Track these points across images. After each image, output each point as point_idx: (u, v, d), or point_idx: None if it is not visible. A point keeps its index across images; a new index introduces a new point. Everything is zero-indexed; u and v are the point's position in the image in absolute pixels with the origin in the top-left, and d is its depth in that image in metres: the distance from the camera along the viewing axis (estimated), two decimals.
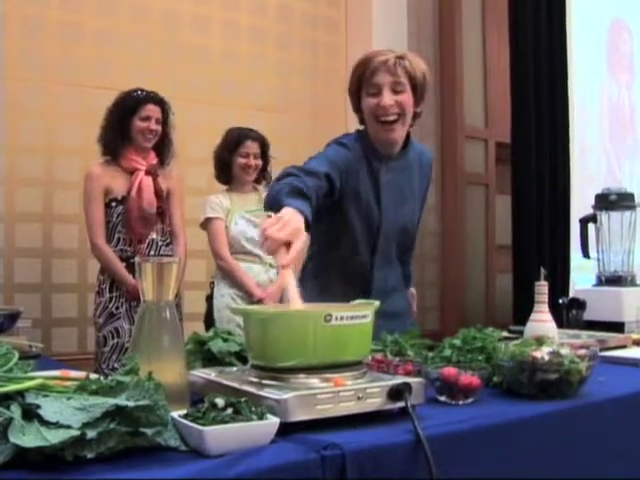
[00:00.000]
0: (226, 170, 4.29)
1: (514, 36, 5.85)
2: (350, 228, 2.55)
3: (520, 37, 5.79)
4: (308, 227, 2.00)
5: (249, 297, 4.06)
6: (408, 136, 2.65)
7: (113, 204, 3.88)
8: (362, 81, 2.52)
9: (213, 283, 4.22)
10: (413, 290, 3.01)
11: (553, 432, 1.74)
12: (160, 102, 3.94)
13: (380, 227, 2.57)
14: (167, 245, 4.00)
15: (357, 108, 2.60)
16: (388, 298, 2.46)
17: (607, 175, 5.60)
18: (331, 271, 2.60)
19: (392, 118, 2.49)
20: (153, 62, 4.80)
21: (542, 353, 1.86)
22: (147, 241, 3.90)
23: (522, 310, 4.42)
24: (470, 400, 1.75)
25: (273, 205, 2.08)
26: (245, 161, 4.21)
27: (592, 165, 5.70)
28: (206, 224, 4.18)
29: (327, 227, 2.56)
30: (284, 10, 5.56)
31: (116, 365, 3.68)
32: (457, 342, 2.06)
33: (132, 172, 3.90)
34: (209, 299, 4.22)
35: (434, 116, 6.35)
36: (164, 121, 3.98)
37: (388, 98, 2.46)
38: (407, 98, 2.49)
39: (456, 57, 6.35)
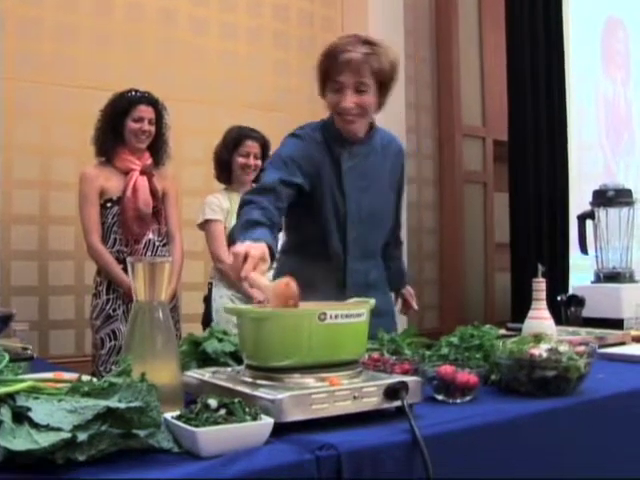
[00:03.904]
0: (226, 169, 4.25)
1: (510, 34, 5.84)
2: (319, 218, 2.52)
3: (516, 35, 5.79)
4: (271, 250, 2.04)
5: (248, 298, 4.04)
6: (372, 122, 2.63)
7: (108, 205, 3.86)
8: (327, 76, 2.49)
9: (211, 284, 4.20)
10: (410, 289, 3.00)
11: (552, 430, 1.73)
12: (153, 103, 3.92)
13: (346, 213, 2.53)
14: (164, 245, 3.98)
15: (323, 95, 2.57)
16: (366, 294, 2.42)
17: (604, 172, 5.59)
18: (306, 266, 2.49)
19: (352, 118, 2.48)
20: (150, 62, 4.79)
21: (540, 350, 1.85)
22: (144, 241, 3.88)
23: (521, 308, 4.41)
24: (468, 398, 1.75)
25: (231, 245, 2.10)
26: (245, 161, 4.18)
27: (589, 162, 5.69)
28: (205, 226, 4.15)
29: (298, 221, 2.57)
30: (280, 9, 5.56)
31: (113, 367, 3.64)
32: (454, 340, 2.05)
33: (127, 172, 3.88)
34: (206, 300, 4.20)
35: (431, 115, 6.36)
36: (158, 122, 3.96)
37: (349, 100, 2.44)
38: (369, 98, 2.46)
39: (453, 55, 6.35)
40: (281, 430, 1.37)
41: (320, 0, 5.78)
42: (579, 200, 4.86)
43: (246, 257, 1.88)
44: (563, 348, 1.87)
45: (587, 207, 3.60)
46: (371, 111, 2.52)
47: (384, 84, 2.48)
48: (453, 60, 6.35)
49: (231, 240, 2.17)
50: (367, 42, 2.45)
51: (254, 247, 1.93)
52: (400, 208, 2.84)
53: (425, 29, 6.35)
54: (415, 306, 3.02)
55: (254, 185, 2.63)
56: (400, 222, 2.91)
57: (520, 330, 2.28)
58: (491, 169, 6.63)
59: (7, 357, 1.45)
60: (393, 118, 5.75)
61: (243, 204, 2.30)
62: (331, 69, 2.45)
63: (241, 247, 1.93)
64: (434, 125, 6.39)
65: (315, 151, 2.51)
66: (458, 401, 1.74)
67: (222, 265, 4.03)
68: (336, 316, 1.53)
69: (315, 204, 2.51)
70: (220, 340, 1.91)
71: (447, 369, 1.75)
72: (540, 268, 2.25)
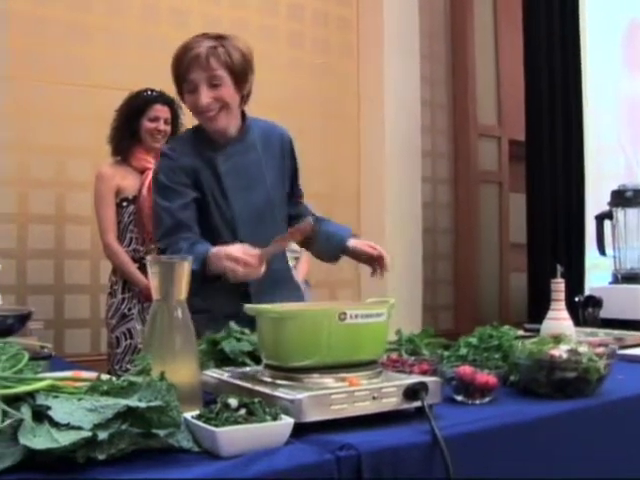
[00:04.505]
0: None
1: (527, 33, 5.82)
2: (208, 224, 2.48)
3: (533, 33, 5.76)
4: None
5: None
6: (245, 118, 2.58)
7: (124, 204, 3.86)
8: (180, 78, 2.44)
9: None
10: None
11: (571, 431, 1.73)
12: (169, 102, 3.91)
13: (233, 215, 2.48)
14: None
15: (183, 100, 2.53)
16: (272, 290, 2.44)
17: (626, 173, 5.55)
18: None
19: (212, 114, 2.42)
20: (164, 62, 4.75)
21: (560, 351, 1.84)
22: None
23: (537, 308, 4.39)
24: (487, 399, 1.74)
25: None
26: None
27: (610, 163, 5.65)
28: None
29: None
30: (295, 9, 5.55)
31: (129, 366, 3.66)
32: (473, 340, 2.04)
33: (143, 171, 3.88)
34: None
35: (447, 114, 6.34)
36: (173, 121, 3.95)
37: (204, 96, 2.39)
38: (226, 91, 2.41)
39: (468, 54, 6.33)
40: (300, 430, 1.37)
41: (335, 0, 5.77)
42: (598, 200, 4.82)
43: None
44: (583, 349, 1.86)
45: (606, 207, 3.58)
46: (233, 104, 2.46)
47: (238, 75, 2.44)
48: (468, 59, 6.33)
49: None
50: (214, 37, 2.43)
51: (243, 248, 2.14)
52: (297, 184, 2.74)
53: (440, 28, 6.33)
54: (384, 255, 2.66)
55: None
56: (301, 192, 2.78)
57: (538, 331, 2.27)
58: (507, 169, 6.61)
59: (26, 356, 1.45)
60: (408, 117, 5.77)
61: (159, 253, 2.37)
62: (181, 69, 2.41)
63: (237, 252, 2.18)
64: (449, 124, 6.37)
65: (187, 161, 2.46)
66: (477, 402, 1.73)
67: None
68: (356, 316, 1.52)
69: (204, 211, 2.48)
70: (238, 340, 1.91)
71: (466, 370, 1.74)
72: (559, 269, 2.24)
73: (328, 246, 2.68)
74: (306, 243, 2.72)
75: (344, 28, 5.78)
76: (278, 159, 2.62)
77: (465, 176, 6.33)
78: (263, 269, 2.24)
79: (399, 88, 5.70)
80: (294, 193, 2.71)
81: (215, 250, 2.26)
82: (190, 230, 2.39)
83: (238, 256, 2.19)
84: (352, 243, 2.65)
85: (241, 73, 2.44)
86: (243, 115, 2.57)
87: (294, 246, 3.99)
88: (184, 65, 2.39)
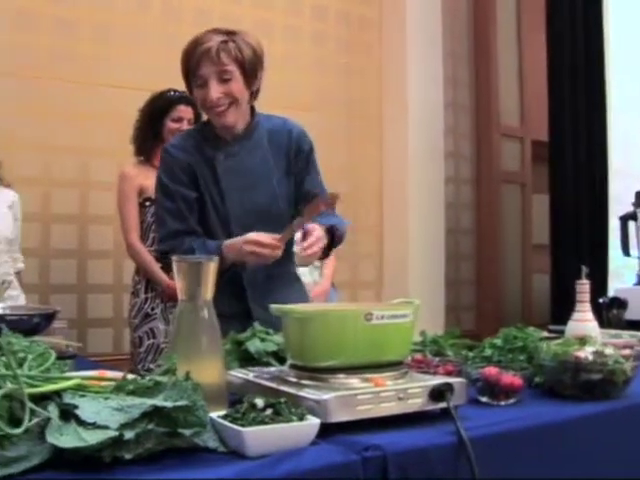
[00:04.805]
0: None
1: (550, 32, 5.79)
2: (204, 222, 2.48)
3: (556, 33, 5.74)
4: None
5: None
6: (254, 115, 2.56)
7: (147, 204, 3.87)
8: (189, 72, 2.42)
9: None
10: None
11: (597, 434, 1.72)
12: (193, 103, 3.89)
13: (227, 214, 2.47)
14: None
15: (193, 96, 2.52)
16: (269, 288, 2.44)
17: None
18: None
19: (222, 109, 2.41)
20: None
21: (585, 353, 1.83)
22: None
23: (560, 309, 4.38)
24: (512, 401, 1.73)
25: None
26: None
27: (633, 163, 5.60)
28: None
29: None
30: (319, 9, 5.55)
31: (151, 366, 3.67)
32: (498, 342, 2.04)
33: None
34: None
35: (469, 114, 6.32)
36: (197, 121, 3.95)
37: (214, 91, 2.37)
38: (236, 86, 2.40)
39: (491, 54, 6.31)
40: (326, 431, 1.37)
41: (358, 0, 5.76)
42: (625, 201, 4.78)
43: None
44: (609, 351, 1.85)
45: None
46: (242, 100, 2.44)
47: (249, 71, 2.42)
48: (491, 59, 6.31)
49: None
50: (225, 32, 2.41)
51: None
52: (315, 181, 2.65)
53: (463, 28, 6.31)
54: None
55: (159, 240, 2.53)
56: (316, 192, 2.60)
57: (563, 332, 2.26)
58: (529, 170, 6.59)
59: (53, 355, 1.46)
60: (431, 118, 5.76)
61: (160, 256, 2.40)
62: (192, 64, 2.39)
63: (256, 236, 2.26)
64: (472, 125, 6.35)
65: (186, 158, 2.46)
66: (502, 403, 1.72)
67: None
68: (382, 316, 1.52)
69: (200, 208, 2.48)
70: (262, 340, 1.91)
71: (491, 371, 1.74)
72: (584, 270, 2.22)
73: None
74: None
75: (367, 28, 5.78)
76: (284, 157, 2.58)
77: (488, 177, 6.31)
78: (280, 252, 2.27)
79: (422, 88, 5.70)
80: (310, 191, 2.58)
81: (229, 241, 2.32)
82: (194, 232, 2.41)
83: (258, 239, 2.23)
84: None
85: (251, 69, 2.42)
86: (252, 112, 2.56)
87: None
88: (194, 59, 2.37)
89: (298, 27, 5.43)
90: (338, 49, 5.61)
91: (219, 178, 2.47)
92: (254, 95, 2.51)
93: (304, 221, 2.25)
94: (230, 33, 2.41)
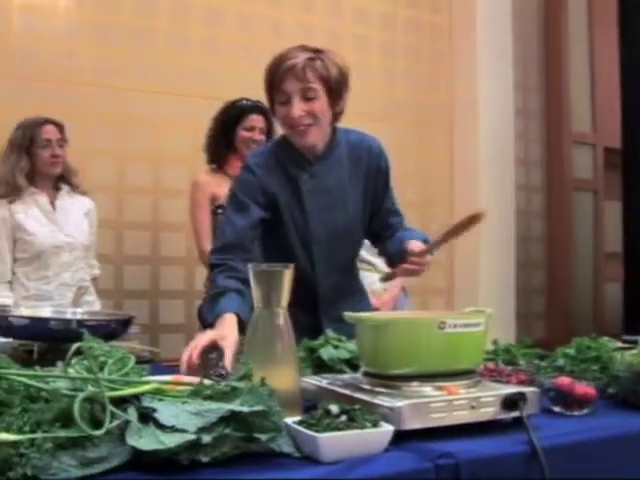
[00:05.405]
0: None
1: (623, 36, 5.69)
2: (283, 242, 2.43)
3: (630, 36, 5.63)
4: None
5: None
6: (335, 133, 2.49)
7: (219, 211, 3.91)
8: (272, 88, 2.36)
9: None
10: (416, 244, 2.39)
11: None
12: (265, 112, 3.93)
13: (311, 235, 2.44)
14: None
15: (274, 112, 2.45)
16: (338, 303, 2.37)
17: None
18: None
19: (303, 128, 2.34)
20: (259, 72, 4.83)
21: None
22: None
23: (633, 319, 4.31)
24: (585, 411, 1.71)
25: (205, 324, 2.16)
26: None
27: None
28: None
29: (263, 246, 2.46)
30: (387, 17, 5.56)
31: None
32: (571, 351, 2.02)
33: None
34: None
35: (539, 121, 6.26)
36: (269, 131, 3.99)
37: (297, 109, 2.30)
38: (319, 105, 2.33)
39: (562, 60, 6.24)
40: (399, 438, 1.38)
41: (427, 8, 5.75)
42: None
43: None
44: None
45: None
46: (324, 119, 2.38)
47: (333, 91, 2.36)
48: (562, 65, 6.23)
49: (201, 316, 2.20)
50: (311, 49, 2.36)
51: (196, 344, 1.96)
52: (390, 198, 2.61)
53: (533, 33, 6.25)
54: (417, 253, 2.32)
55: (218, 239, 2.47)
56: (397, 209, 2.63)
57: (637, 342, 2.23)
58: (601, 177, 6.49)
59: (132, 359, 1.50)
60: (502, 125, 5.72)
61: (210, 267, 2.32)
62: (275, 79, 2.33)
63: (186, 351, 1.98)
64: (542, 132, 6.29)
65: (269, 179, 2.42)
66: (575, 413, 1.71)
67: None
68: (455, 325, 1.53)
69: (277, 228, 2.43)
70: (336, 347, 1.93)
71: (564, 380, 1.72)
72: None
73: (391, 247, 2.53)
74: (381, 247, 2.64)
75: (437, 35, 5.77)
76: (364, 175, 2.53)
77: (559, 184, 6.23)
78: (428, 266, 2.28)
79: (492, 95, 5.67)
80: (384, 208, 2.59)
81: (225, 323, 2.07)
82: (248, 251, 2.31)
83: (189, 350, 2.00)
84: (410, 243, 2.37)
85: (337, 89, 2.37)
86: (333, 130, 2.49)
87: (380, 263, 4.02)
88: (279, 75, 2.32)
89: (366, 36, 5.44)
90: (407, 57, 5.61)
91: (303, 199, 2.43)
92: (336, 117, 2.45)
93: (450, 238, 2.26)
94: (317, 51, 2.35)
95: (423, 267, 2.28)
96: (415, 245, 2.32)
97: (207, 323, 2.11)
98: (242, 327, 1.97)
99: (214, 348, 1.89)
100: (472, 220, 2.19)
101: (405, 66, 5.59)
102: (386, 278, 2.52)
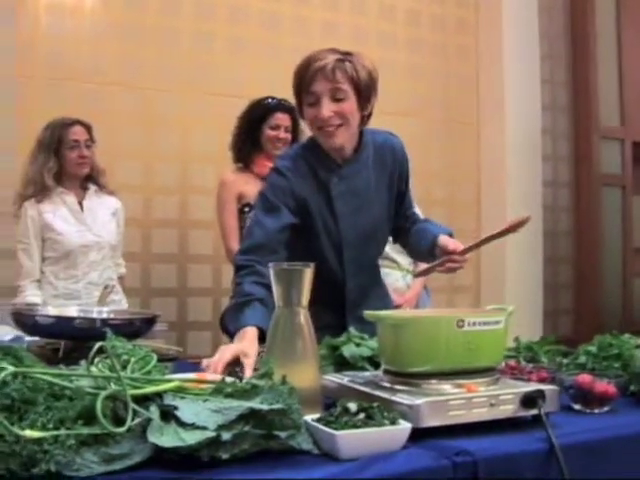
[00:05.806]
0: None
1: None
2: (313, 244, 2.41)
3: None
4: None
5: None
6: (362, 135, 2.47)
7: (246, 209, 3.93)
8: (301, 89, 2.34)
9: None
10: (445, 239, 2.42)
11: None
12: (290, 110, 3.94)
13: (341, 238, 2.43)
14: None
15: (302, 114, 2.43)
16: (363, 305, 2.27)
17: None
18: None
19: (332, 129, 2.32)
20: (285, 70, 4.84)
21: None
22: None
23: None
24: (605, 409, 1.72)
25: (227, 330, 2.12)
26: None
27: None
28: None
29: (291, 248, 2.40)
30: (413, 14, 5.55)
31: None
32: (592, 349, 2.02)
33: (264, 178, 3.92)
34: None
35: (567, 116, 6.23)
36: (294, 129, 3.99)
37: (326, 109, 2.28)
38: (348, 106, 2.31)
39: (589, 54, 6.20)
40: (417, 435, 1.39)
41: (453, 3, 5.74)
42: None
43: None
44: None
45: None
46: (353, 122, 2.35)
47: (362, 93, 2.33)
48: (590, 59, 6.19)
49: (223, 324, 2.20)
50: (341, 51, 2.34)
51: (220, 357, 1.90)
52: (411, 198, 2.65)
53: (560, 28, 6.21)
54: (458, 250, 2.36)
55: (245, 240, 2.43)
56: (412, 203, 2.67)
57: None
58: (630, 172, 6.44)
59: (155, 358, 1.52)
60: (529, 120, 5.70)
61: (236, 269, 2.28)
62: (305, 79, 2.31)
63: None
64: (570, 126, 6.25)
65: (300, 183, 2.39)
66: (596, 411, 1.71)
67: None
68: (474, 323, 1.54)
69: (308, 232, 2.41)
70: (358, 345, 1.94)
71: (585, 378, 1.73)
72: None
73: (420, 241, 2.53)
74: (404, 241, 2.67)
75: (463, 31, 5.76)
76: (389, 176, 2.53)
77: (587, 179, 6.20)
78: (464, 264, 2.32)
79: (519, 91, 5.65)
80: (404, 205, 2.63)
81: (246, 334, 2.01)
82: (276, 253, 2.28)
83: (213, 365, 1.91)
84: (442, 239, 2.41)
85: (365, 91, 2.34)
86: (360, 133, 2.47)
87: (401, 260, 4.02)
88: (308, 75, 2.30)
89: (392, 32, 5.44)
90: (433, 54, 5.60)
91: (333, 202, 2.42)
92: (365, 120, 2.43)
93: (492, 240, 2.27)
94: (346, 54, 2.34)
95: (462, 265, 2.32)
96: (451, 242, 2.35)
97: (228, 330, 2.11)
98: (263, 337, 1.94)
99: (236, 363, 1.88)
100: (518, 225, 2.19)
101: (431, 62, 5.58)
102: (421, 273, 2.59)
